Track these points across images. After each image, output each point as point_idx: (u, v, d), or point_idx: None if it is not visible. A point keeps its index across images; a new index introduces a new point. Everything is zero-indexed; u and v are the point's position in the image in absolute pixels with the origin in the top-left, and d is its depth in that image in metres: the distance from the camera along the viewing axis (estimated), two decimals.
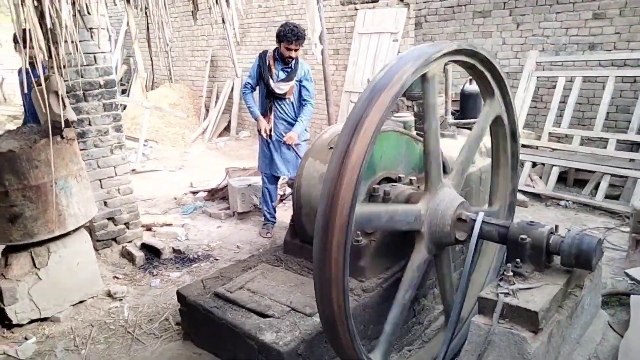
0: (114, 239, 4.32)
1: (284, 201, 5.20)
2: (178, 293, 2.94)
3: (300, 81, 4.52)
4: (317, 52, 5.48)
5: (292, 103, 4.58)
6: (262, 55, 4.50)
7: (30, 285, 3.26)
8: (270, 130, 4.54)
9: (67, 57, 3.39)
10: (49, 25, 2.84)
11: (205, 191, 6.04)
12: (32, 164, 3.16)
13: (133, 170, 6.54)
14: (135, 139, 8.44)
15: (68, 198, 3.37)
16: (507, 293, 2.00)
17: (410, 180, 2.83)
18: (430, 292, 3.07)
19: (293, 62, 4.43)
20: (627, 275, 3.40)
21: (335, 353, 2.21)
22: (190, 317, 2.90)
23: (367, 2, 7.39)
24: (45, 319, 3.35)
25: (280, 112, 4.57)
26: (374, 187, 2.71)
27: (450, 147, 3.18)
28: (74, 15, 3.09)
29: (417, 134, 3.46)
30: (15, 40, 4.28)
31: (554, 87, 5.86)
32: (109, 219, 4.25)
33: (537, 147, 5.83)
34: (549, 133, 5.79)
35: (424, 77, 2.19)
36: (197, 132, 9.78)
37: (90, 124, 4.04)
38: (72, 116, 3.72)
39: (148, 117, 8.62)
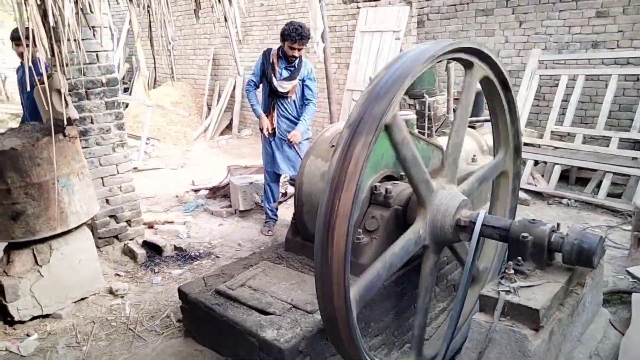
0: (116, 237, 4.33)
1: (283, 202, 5.19)
2: (179, 290, 2.95)
3: (304, 80, 4.52)
4: (319, 50, 5.48)
5: (294, 102, 4.58)
6: (266, 53, 4.50)
7: (32, 282, 3.28)
8: (273, 129, 4.54)
9: (69, 55, 3.39)
10: (51, 23, 2.84)
11: (207, 189, 6.05)
12: (35, 161, 3.17)
13: (135, 168, 6.56)
14: (137, 137, 8.46)
15: (70, 196, 3.38)
16: (509, 291, 2.00)
17: None
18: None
19: (297, 61, 4.43)
20: (629, 273, 3.39)
21: (336, 350, 2.21)
22: (191, 314, 2.91)
23: (370, 0, 7.38)
24: (47, 316, 3.36)
25: (282, 111, 4.57)
26: (375, 185, 2.71)
27: None
28: (77, 13, 3.10)
29: (419, 132, 3.47)
30: (12, 39, 4.30)
31: (557, 85, 5.85)
32: (110, 216, 4.26)
33: (539, 146, 5.82)
34: (552, 131, 5.78)
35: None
36: (199, 130, 9.79)
37: (92, 122, 4.05)
38: (75, 114, 3.73)
39: (150, 115, 8.64)
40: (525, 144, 5.43)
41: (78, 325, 3.31)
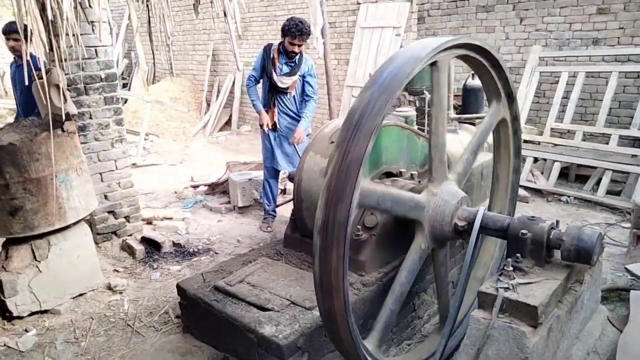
0: (114, 233, 4.33)
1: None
2: (178, 286, 2.95)
3: (304, 76, 4.51)
4: (319, 46, 5.46)
5: (294, 97, 4.58)
6: (267, 49, 4.49)
7: (31, 277, 3.27)
8: (274, 123, 4.54)
9: (68, 50, 3.38)
10: (49, 17, 2.83)
11: (205, 185, 6.04)
12: (33, 157, 3.16)
13: (134, 164, 6.54)
14: (136, 133, 8.44)
15: (68, 191, 3.37)
16: (507, 288, 2.00)
17: (412, 174, 2.83)
18: (430, 287, 3.07)
19: (297, 56, 4.42)
20: (627, 270, 3.40)
21: (334, 347, 2.21)
22: (190, 310, 2.91)
23: None
24: (45, 312, 3.36)
25: (282, 107, 4.56)
26: (375, 181, 2.71)
27: (452, 141, 3.18)
28: (75, 7, 3.09)
29: (419, 128, 3.46)
30: (3, 33, 4.28)
31: (557, 82, 5.84)
32: (109, 212, 4.26)
33: (539, 143, 5.81)
34: (551, 128, 5.77)
35: (433, 65, 2.16)
36: (198, 126, 9.78)
37: (91, 118, 4.04)
38: (73, 109, 3.72)
39: (149, 111, 8.62)
40: (525, 141, 5.42)
41: (76, 321, 3.31)
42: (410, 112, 3.52)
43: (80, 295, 3.55)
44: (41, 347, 3.04)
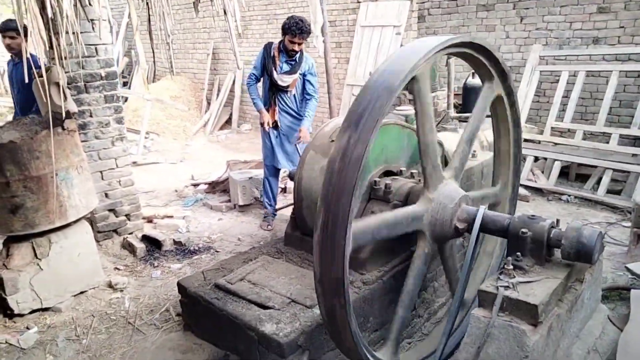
0: (115, 231, 4.33)
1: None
2: (179, 284, 2.95)
3: (305, 75, 4.51)
4: (319, 44, 5.46)
5: (294, 96, 4.58)
6: (267, 47, 4.50)
7: (32, 275, 3.28)
8: (275, 122, 4.54)
9: (68, 48, 3.38)
10: (49, 15, 2.83)
11: (206, 184, 6.05)
12: (33, 154, 3.16)
13: (134, 162, 6.55)
14: (136, 131, 8.44)
15: (69, 189, 3.37)
16: (507, 286, 2.00)
17: (412, 173, 2.83)
18: (430, 285, 3.08)
19: (297, 55, 4.42)
20: (628, 269, 3.40)
21: (334, 345, 2.22)
22: (190, 308, 2.91)
23: None
24: (46, 309, 3.37)
25: (282, 105, 4.56)
26: (375, 180, 2.71)
27: (453, 140, 3.18)
28: (75, 5, 3.09)
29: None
30: (0, 30, 4.27)
31: (557, 81, 5.83)
32: (110, 210, 4.26)
33: (539, 142, 5.81)
34: (552, 127, 5.77)
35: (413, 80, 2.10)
36: (199, 124, 9.78)
37: (91, 116, 4.04)
38: (73, 107, 3.71)
39: (149, 110, 8.62)
40: (525, 140, 5.42)
41: (78, 318, 3.31)
42: (411, 110, 3.52)
43: (81, 293, 3.56)
44: (42, 344, 3.04)
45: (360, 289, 2.59)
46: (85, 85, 3.96)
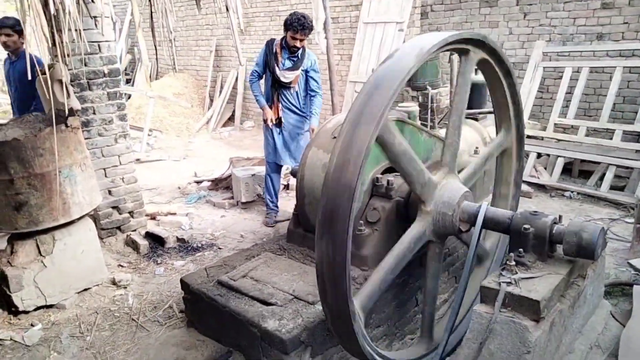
0: (119, 228, 4.35)
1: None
2: (182, 281, 2.96)
3: (307, 71, 4.52)
4: (321, 40, 5.46)
5: (297, 92, 4.59)
6: (269, 43, 4.50)
7: (36, 272, 3.30)
8: (278, 118, 4.55)
9: (70, 45, 3.38)
10: (52, 12, 2.83)
11: (209, 181, 6.06)
12: (37, 152, 3.18)
13: (137, 159, 6.57)
14: (139, 129, 8.46)
15: (73, 186, 3.38)
16: (510, 282, 2.01)
17: None
18: None
19: (299, 51, 4.43)
20: (631, 265, 3.40)
21: (337, 341, 2.23)
22: (193, 305, 2.93)
23: None
24: (50, 306, 3.38)
25: (285, 102, 4.57)
26: (377, 176, 2.71)
27: None
28: (77, 2, 3.09)
29: (422, 124, 3.46)
30: None
31: (561, 77, 5.81)
32: (113, 207, 4.28)
33: (542, 138, 5.79)
34: (555, 124, 5.75)
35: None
36: (202, 121, 9.79)
37: (94, 113, 4.05)
38: (76, 105, 3.72)
39: (152, 107, 8.63)
40: (528, 137, 5.41)
41: (81, 315, 3.33)
42: (413, 107, 3.51)
43: (85, 290, 3.58)
44: (47, 341, 3.06)
45: (362, 285, 2.60)
46: (88, 82, 3.97)
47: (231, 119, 10.04)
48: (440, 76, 4.56)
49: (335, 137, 2.66)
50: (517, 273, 2.05)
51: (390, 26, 7.03)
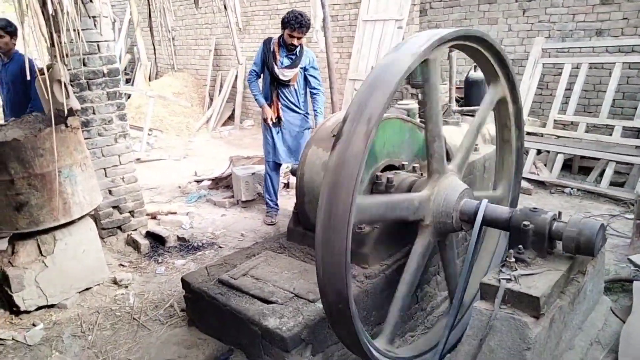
0: (119, 227, 4.35)
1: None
2: (183, 280, 2.97)
3: (306, 69, 4.52)
4: (319, 38, 5.46)
5: (295, 90, 4.59)
6: (267, 42, 4.50)
7: (37, 272, 3.30)
8: (278, 117, 4.55)
9: (69, 45, 3.38)
10: (50, 12, 2.83)
11: (209, 180, 6.06)
12: (37, 152, 3.18)
13: (137, 159, 6.57)
14: (139, 128, 8.46)
15: (73, 186, 3.39)
16: (509, 279, 2.01)
17: (414, 167, 2.83)
18: (433, 279, 3.09)
19: (297, 49, 4.43)
20: (631, 261, 3.41)
21: (337, 338, 2.23)
22: (194, 304, 2.93)
23: None
24: (52, 306, 3.39)
25: (284, 100, 4.57)
26: (376, 174, 2.71)
27: (455, 134, 3.18)
28: (76, 2, 3.09)
29: (421, 121, 3.45)
30: None
31: (560, 74, 5.81)
32: (114, 207, 4.28)
33: (542, 135, 5.79)
34: (555, 120, 5.75)
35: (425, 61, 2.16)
36: (201, 121, 9.79)
37: (94, 113, 4.05)
38: (76, 105, 3.72)
39: (152, 106, 8.63)
40: (528, 133, 5.41)
41: (83, 315, 3.34)
42: (412, 104, 3.51)
43: (86, 289, 3.58)
44: (49, 340, 3.07)
45: (362, 283, 2.61)
46: (87, 82, 3.97)
47: (231, 117, 10.04)
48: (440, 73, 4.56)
49: (334, 135, 2.67)
50: (516, 270, 2.05)
51: (389, 24, 7.03)
